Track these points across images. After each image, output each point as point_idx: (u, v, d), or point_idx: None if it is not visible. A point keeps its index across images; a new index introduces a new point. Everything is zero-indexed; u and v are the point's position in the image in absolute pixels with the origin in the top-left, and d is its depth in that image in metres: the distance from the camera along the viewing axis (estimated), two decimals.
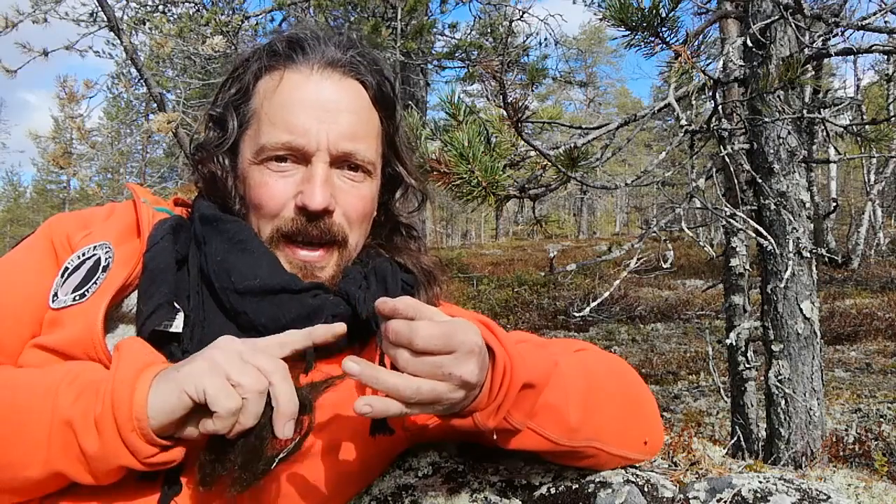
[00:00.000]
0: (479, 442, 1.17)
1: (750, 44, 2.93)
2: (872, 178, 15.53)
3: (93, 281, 0.95)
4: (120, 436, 0.73)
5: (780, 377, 3.03)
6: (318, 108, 0.99)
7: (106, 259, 0.97)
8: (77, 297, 0.94)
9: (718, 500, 0.96)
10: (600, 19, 2.25)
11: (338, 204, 1.01)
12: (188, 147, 5.40)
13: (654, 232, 2.91)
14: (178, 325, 0.93)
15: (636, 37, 2.11)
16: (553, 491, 1.03)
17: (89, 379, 0.79)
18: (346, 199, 1.02)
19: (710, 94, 2.68)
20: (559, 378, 0.92)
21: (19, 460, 0.76)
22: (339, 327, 0.84)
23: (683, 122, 2.76)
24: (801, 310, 3.00)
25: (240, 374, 0.75)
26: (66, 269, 0.98)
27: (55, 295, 0.96)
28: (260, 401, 0.75)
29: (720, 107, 2.85)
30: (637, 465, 1.10)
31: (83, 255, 0.99)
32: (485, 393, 0.83)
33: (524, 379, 0.85)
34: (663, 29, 2.08)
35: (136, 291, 0.96)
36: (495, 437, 0.89)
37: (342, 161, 1.01)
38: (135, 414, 0.73)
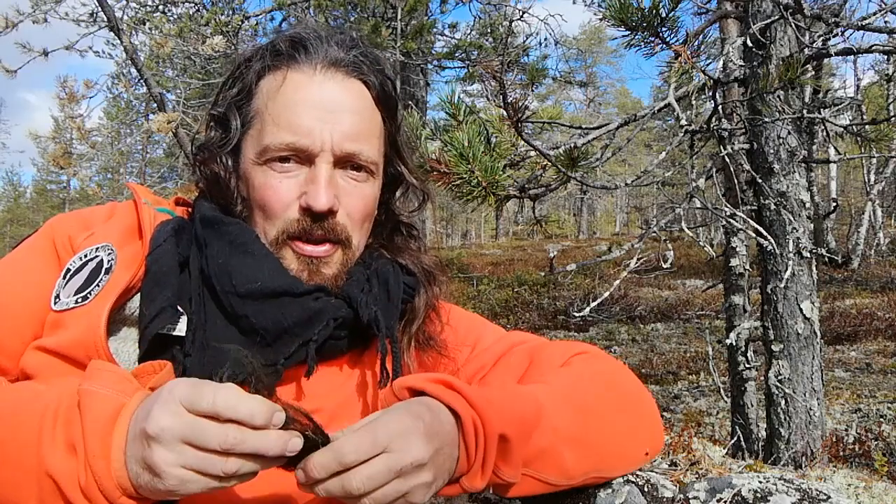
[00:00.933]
0: None
1: (750, 44, 2.93)
2: (872, 178, 15.53)
3: (95, 283, 0.95)
4: (110, 502, 0.72)
5: (780, 377, 3.03)
6: (321, 108, 0.99)
7: (108, 261, 0.97)
8: (79, 300, 0.94)
9: (718, 500, 0.97)
10: (600, 19, 2.25)
11: (341, 205, 1.00)
12: (188, 147, 5.40)
13: (654, 232, 2.91)
14: (181, 329, 0.93)
15: (636, 37, 2.12)
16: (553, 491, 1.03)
17: (70, 420, 0.75)
18: (349, 200, 1.01)
19: (710, 94, 2.69)
20: (548, 420, 0.89)
21: (15, 499, 0.75)
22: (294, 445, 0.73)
23: (683, 122, 2.76)
24: (801, 310, 3.00)
25: (215, 467, 0.69)
26: (69, 270, 0.98)
27: (57, 297, 0.96)
28: (248, 463, 0.70)
29: (720, 107, 2.85)
30: None
31: (85, 256, 0.99)
32: (462, 456, 0.81)
33: (499, 430, 0.82)
34: (663, 29, 2.08)
35: (138, 294, 0.96)
36: (491, 490, 0.87)
37: (345, 161, 1.01)
38: (118, 483, 0.71)
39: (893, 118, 3.12)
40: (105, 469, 0.71)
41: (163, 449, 0.69)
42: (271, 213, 0.99)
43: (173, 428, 0.69)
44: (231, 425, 0.69)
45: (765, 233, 2.94)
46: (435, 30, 9.80)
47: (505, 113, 2.20)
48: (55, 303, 0.95)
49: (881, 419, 5.74)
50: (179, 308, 0.94)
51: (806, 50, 2.70)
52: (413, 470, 0.74)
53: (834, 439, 4.07)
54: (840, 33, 2.82)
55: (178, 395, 0.71)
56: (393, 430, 0.75)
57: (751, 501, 0.94)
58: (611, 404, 1.02)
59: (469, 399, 0.82)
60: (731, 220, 2.98)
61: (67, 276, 0.97)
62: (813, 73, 3.48)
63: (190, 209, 1.10)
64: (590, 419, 0.96)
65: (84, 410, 0.75)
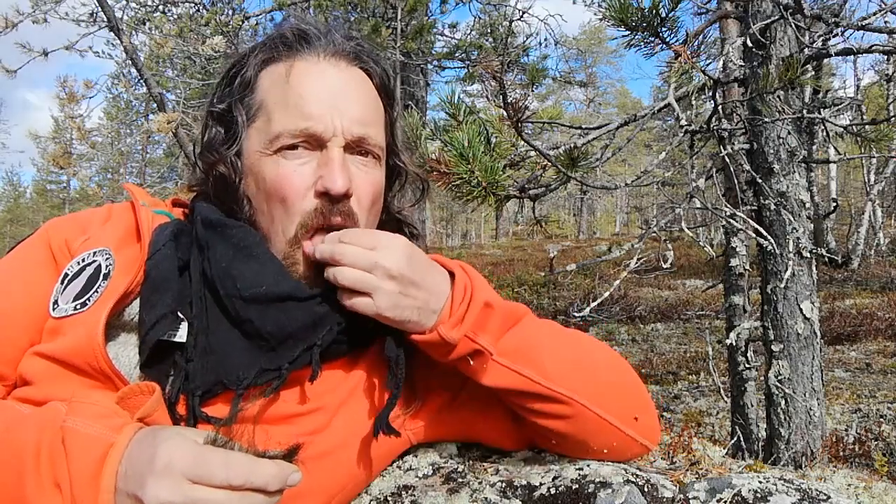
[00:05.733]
0: (479, 442, 1.17)
1: (750, 44, 2.93)
2: (872, 178, 15.52)
3: (94, 289, 0.94)
4: None
5: (780, 377, 3.03)
6: (330, 94, 1.00)
7: (106, 266, 0.96)
8: (78, 306, 0.93)
9: (718, 500, 0.96)
10: (600, 19, 2.25)
11: (353, 188, 1.00)
12: (188, 147, 5.40)
13: (654, 232, 2.91)
14: (182, 335, 0.92)
15: (636, 37, 2.11)
16: (553, 491, 1.03)
17: (54, 457, 0.74)
18: (360, 184, 1.02)
19: (710, 94, 2.68)
20: (532, 322, 1.03)
21: None
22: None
23: (683, 122, 2.76)
24: (801, 310, 3.00)
25: None
26: (66, 275, 0.97)
27: (55, 303, 0.95)
28: None
29: (720, 107, 2.85)
30: (637, 464, 1.10)
31: (83, 261, 0.98)
32: (446, 307, 0.95)
33: (485, 297, 0.95)
34: (663, 29, 2.08)
35: (137, 299, 0.95)
36: (471, 362, 0.96)
37: (355, 146, 1.01)
38: None
39: (893, 118, 3.12)
40: None
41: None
42: (288, 204, 0.98)
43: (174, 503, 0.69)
44: (237, 494, 0.70)
45: (765, 233, 2.94)
46: (435, 30, 9.80)
47: (505, 113, 2.19)
48: (54, 309, 0.94)
49: (881, 419, 5.73)
50: (180, 314, 0.93)
51: (806, 50, 2.70)
52: (386, 276, 0.91)
53: (834, 439, 4.07)
54: (840, 33, 2.82)
55: (181, 469, 0.69)
56: (390, 239, 0.96)
57: (751, 501, 0.94)
58: (604, 359, 1.09)
59: (467, 270, 0.99)
60: (731, 220, 2.98)
61: (65, 282, 0.96)
62: (813, 73, 3.48)
63: (187, 210, 1.10)
64: (579, 350, 1.06)
65: (69, 452, 0.73)
